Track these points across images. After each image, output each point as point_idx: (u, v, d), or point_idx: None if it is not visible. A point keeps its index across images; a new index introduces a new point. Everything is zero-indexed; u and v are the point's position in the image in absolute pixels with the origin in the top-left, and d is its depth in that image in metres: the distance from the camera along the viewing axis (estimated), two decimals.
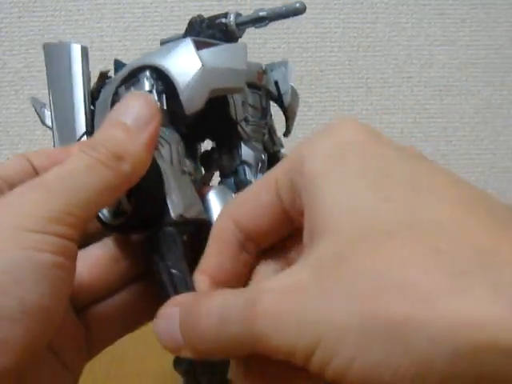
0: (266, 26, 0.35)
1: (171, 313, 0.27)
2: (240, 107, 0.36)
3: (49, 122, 0.38)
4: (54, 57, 0.37)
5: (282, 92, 0.40)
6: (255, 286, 0.28)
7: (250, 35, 0.37)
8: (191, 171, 0.34)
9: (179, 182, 0.32)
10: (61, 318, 0.27)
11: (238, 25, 0.36)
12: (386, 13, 0.80)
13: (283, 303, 0.24)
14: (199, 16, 0.37)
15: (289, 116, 0.41)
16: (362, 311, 0.22)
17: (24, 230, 0.26)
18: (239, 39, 0.37)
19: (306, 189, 0.26)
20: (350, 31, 0.80)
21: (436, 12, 0.81)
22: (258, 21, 0.35)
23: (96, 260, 0.33)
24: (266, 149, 0.39)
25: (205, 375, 0.35)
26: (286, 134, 0.42)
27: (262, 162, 0.37)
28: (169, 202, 0.31)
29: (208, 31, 0.36)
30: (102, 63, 0.37)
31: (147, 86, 0.34)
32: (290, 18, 0.35)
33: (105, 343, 0.34)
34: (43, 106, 0.39)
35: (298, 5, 0.34)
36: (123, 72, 0.35)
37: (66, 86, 0.37)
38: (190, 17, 0.37)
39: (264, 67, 0.39)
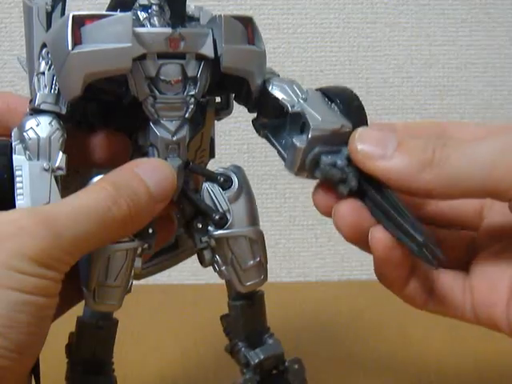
0: None
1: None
2: (142, 84, 0.33)
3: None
4: (27, 14, 0.38)
5: (218, 53, 0.34)
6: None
7: None
8: (61, 166, 0.32)
9: (34, 178, 0.32)
10: (45, 338, 0.29)
11: None
12: (385, 13, 0.80)
13: None
14: None
15: (248, 85, 0.35)
16: None
17: (15, 270, 0.26)
18: None
19: None
20: (350, 31, 0.80)
21: (436, 12, 0.81)
22: None
23: None
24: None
25: None
26: (250, 108, 0.37)
27: (175, 143, 0.34)
28: (16, 201, 0.31)
29: None
30: None
31: (42, 67, 0.34)
32: None
33: None
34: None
35: None
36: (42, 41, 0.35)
37: (30, 43, 0.37)
38: None
39: (177, 31, 0.33)
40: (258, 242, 0.37)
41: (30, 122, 0.33)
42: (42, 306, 0.27)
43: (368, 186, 0.33)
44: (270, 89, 0.36)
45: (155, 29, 0.33)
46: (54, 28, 0.34)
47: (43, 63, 0.34)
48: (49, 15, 0.37)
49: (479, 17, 0.81)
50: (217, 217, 0.36)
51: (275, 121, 0.36)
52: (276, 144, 0.36)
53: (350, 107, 0.35)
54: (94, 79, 0.32)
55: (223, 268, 0.37)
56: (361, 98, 0.36)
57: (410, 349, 0.60)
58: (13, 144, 0.32)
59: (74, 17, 0.32)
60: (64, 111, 0.33)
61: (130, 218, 0.30)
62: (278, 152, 0.36)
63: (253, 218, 0.37)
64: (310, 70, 0.80)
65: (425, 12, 0.81)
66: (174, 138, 0.34)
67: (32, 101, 0.33)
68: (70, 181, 0.35)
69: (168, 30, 0.33)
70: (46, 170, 0.32)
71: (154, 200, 0.31)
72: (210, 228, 0.36)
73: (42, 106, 0.33)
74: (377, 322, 0.65)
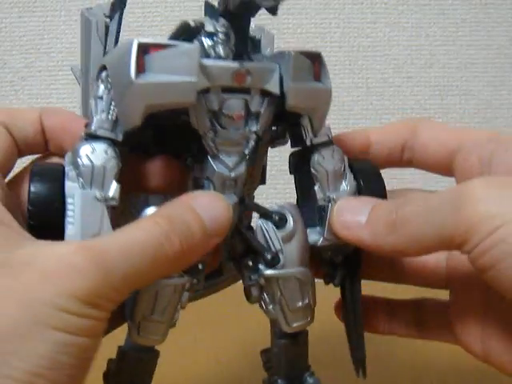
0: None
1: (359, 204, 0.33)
2: (204, 117, 0.32)
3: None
4: (84, 29, 0.37)
5: (284, 90, 0.33)
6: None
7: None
8: (114, 196, 0.31)
9: (86, 208, 0.30)
10: (85, 378, 0.28)
11: None
12: (386, 13, 0.80)
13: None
14: None
15: (310, 120, 0.35)
16: None
17: (61, 310, 0.25)
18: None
19: None
20: (350, 31, 0.80)
21: (436, 12, 0.81)
22: None
23: None
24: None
25: None
26: (312, 135, 0.36)
27: (232, 180, 0.33)
28: (66, 229, 0.30)
29: None
30: None
31: (100, 91, 0.32)
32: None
33: None
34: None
35: None
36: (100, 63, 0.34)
37: (87, 58, 0.37)
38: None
39: (244, 66, 0.32)
40: (307, 284, 0.36)
41: (85, 149, 0.31)
42: (85, 347, 0.26)
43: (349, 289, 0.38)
44: (312, 166, 0.36)
45: (222, 62, 0.32)
46: (117, 52, 0.32)
47: (102, 87, 0.32)
48: (106, 28, 0.36)
49: (479, 17, 0.81)
50: (269, 256, 0.34)
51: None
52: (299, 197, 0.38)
53: (373, 192, 0.37)
54: (155, 110, 0.31)
55: (270, 307, 0.36)
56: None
57: (410, 349, 0.60)
58: (66, 169, 0.31)
59: (139, 44, 0.30)
60: (120, 138, 0.32)
61: (182, 255, 0.29)
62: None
63: (304, 259, 0.36)
64: None
65: (425, 12, 0.81)
66: (232, 175, 0.33)
67: (88, 125, 0.32)
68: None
69: (235, 64, 0.32)
70: (98, 200, 0.31)
71: (208, 236, 0.30)
72: (260, 266, 0.35)
73: (99, 132, 0.32)
74: None
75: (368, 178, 0.37)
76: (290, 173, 0.38)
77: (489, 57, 0.82)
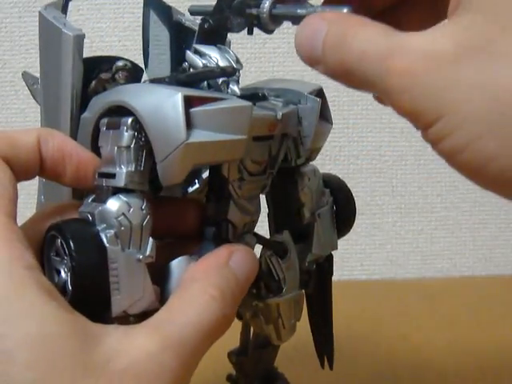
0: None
1: (319, 25, 0.28)
2: (235, 167, 0.32)
3: (40, 99, 0.35)
4: (47, 34, 0.33)
5: (303, 134, 0.34)
6: (397, 37, 0.26)
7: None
8: (152, 254, 0.30)
9: (130, 271, 0.29)
10: None
11: (272, 16, 0.30)
12: None
13: (422, 65, 0.24)
14: None
15: (310, 156, 0.36)
16: (504, 101, 0.23)
17: None
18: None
19: None
20: None
21: None
22: (296, 19, 0.29)
23: None
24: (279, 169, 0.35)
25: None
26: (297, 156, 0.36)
27: (250, 223, 0.34)
28: (112, 297, 0.28)
29: (236, 19, 0.31)
30: None
31: (125, 139, 0.29)
32: None
33: None
34: (36, 81, 0.36)
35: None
36: (103, 103, 0.31)
37: (56, 73, 0.33)
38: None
39: (280, 116, 0.31)
40: (301, 302, 0.37)
41: (121, 207, 0.29)
42: None
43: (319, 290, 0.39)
44: (301, 188, 0.36)
45: (262, 113, 0.31)
46: (149, 98, 0.29)
47: (128, 135, 0.29)
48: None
49: None
50: (274, 285, 0.35)
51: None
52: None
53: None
54: (200, 167, 0.30)
55: (265, 326, 0.36)
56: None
57: (410, 349, 0.60)
58: (98, 228, 0.29)
59: (184, 98, 0.28)
60: (147, 188, 0.30)
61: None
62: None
63: (299, 281, 0.37)
64: (310, 70, 0.80)
65: None
66: (252, 219, 0.34)
67: (113, 176, 0.30)
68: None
69: (272, 114, 0.31)
70: (139, 261, 0.29)
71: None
72: (262, 293, 0.35)
73: (130, 186, 0.29)
74: (377, 322, 0.65)
75: (341, 194, 0.39)
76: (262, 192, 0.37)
77: None
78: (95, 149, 0.32)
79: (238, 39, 0.35)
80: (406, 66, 0.24)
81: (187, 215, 0.34)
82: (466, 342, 0.60)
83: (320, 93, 0.35)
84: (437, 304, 0.70)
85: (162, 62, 0.37)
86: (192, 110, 0.28)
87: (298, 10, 0.29)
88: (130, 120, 0.29)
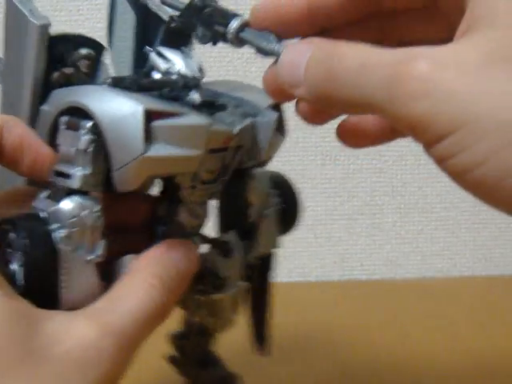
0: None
1: (302, 48, 0.27)
2: (188, 177, 0.33)
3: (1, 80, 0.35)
4: (13, 18, 0.33)
5: (258, 146, 0.35)
6: (403, 50, 0.24)
7: None
8: (102, 254, 0.31)
9: (79, 271, 0.30)
10: None
11: (238, 39, 0.30)
12: None
13: (440, 72, 0.23)
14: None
15: (261, 163, 0.37)
16: None
17: None
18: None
19: None
20: None
21: None
22: (260, 50, 0.30)
23: None
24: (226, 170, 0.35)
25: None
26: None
27: (198, 226, 0.36)
28: (61, 294, 0.30)
29: (202, 30, 0.31)
30: None
31: (83, 143, 0.30)
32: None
33: None
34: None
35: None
36: (64, 101, 0.31)
37: (19, 59, 0.33)
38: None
39: (237, 131, 0.32)
40: (241, 298, 0.39)
41: (75, 209, 0.30)
42: None
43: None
44: (249, 190, 0.37)
45: (220, 128, 0.32)
46: (114, 110, 0.29)
47: (86, 139, 0.30)
48: None
49: None
50: (218, 282, 0.36)
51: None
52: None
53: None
54: (154, 178, 0.32)
55: (207, 319, 0.38)
56: None
57: (410, 349, 0.60)
58: (52, 228, 0.30)
59: (145, 111, 0.29)
60: (102, 190, 0.31)
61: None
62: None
63: (242, 275, 0.38)
64: None
65: None
66: (201, 222, 0.35)
67: (69, 177, 0.30)
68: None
69: (229, 129, 0.32)
70: (89, 262, 0.30)
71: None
72: (206, 289, 0.37)
73: (85, 189, 0.30)
74: (377, 321, 0.65)
75: (287, 192, 0.40)
76: None
77: None
78: (52, 143, 0.32)
79: None
80: (429, 70, 0.23)
81: (138, 210, 0.35)
82: (466, 342, 0.60)
83: (277, 105, 0.36)
84: (437, 304, 0.70)
85: (125, 42, 0.38)
86: (152, 124, 0.29)
87: (264, 43, 0.29)
88: (89, 124, 0.30)
